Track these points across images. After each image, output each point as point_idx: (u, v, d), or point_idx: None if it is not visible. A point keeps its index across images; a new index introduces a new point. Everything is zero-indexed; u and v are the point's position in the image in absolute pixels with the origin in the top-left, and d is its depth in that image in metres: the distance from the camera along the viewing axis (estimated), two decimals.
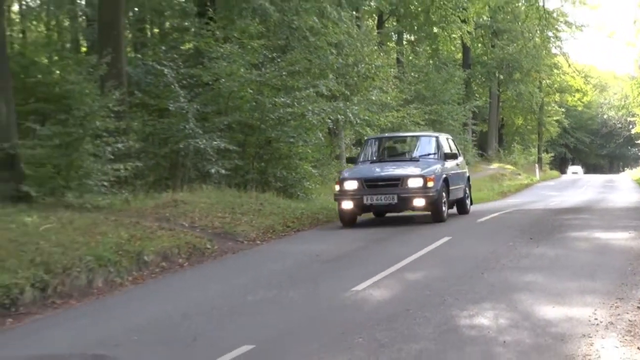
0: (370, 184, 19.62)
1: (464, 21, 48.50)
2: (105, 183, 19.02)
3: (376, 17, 49.23)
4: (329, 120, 26.27)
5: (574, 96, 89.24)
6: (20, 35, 35.88)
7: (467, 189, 23.26)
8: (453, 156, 21.85)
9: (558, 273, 12.39)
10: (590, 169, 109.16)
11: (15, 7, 36.51)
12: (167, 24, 34.43)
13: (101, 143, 19.18)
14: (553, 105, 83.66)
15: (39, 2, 37.97)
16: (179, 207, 18.38)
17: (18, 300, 11.22)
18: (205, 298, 11.95)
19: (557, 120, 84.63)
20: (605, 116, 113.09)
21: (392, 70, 39.03)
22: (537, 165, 71.10)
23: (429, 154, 21.50)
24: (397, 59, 49.24)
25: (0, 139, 17.87)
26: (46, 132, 18.74)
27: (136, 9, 32.22)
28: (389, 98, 34.40)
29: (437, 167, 20.30)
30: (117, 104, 19.89)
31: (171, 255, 15.03)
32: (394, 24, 52.42)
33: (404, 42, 56.04)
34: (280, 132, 23.94)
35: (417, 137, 24.03)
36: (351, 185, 19.68)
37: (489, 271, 12.78)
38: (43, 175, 18.73)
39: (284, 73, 24.41)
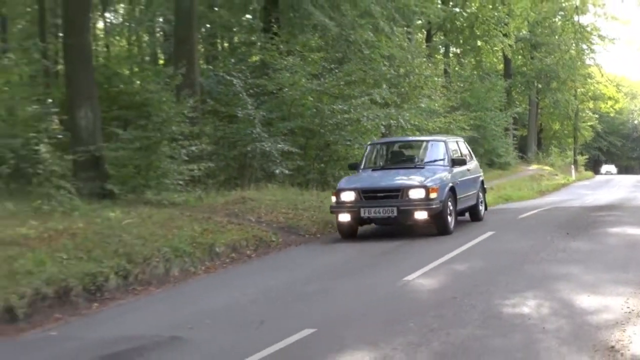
0: (368, 195, 16.42)
1: (505, 35, 48.23)
2: (181, 182, 19.16)
3: (425, 32, 49.03)
4: (382, 125, 26.23)
5: (607, 103, 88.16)
6: (105, 49, 36.22)
7: (480, 194, 19.85)
8: (462, 162, 18.34)
9: (593, 265, 12.27)
10: (622, 169, 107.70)
11: (100, 24, 36.89)
12: (236, 39, 34.56)
13: (177, 146, 19.32)
14: (587, 111, 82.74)
15: (121, 19, 38.34)
16: (246, 203, 18.44)
17: (103, 286, 11.34)
18: (271, 286, 11.98)
19: (591, 126, 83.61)
20: (635, 121, 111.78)
21: (439, 80, 38.82)
22: (572, 166, 70.30)
23: (435, 160, 18.09)
24: (444, 69, 48.95)
25: (87, 142, 18.09)
26: (128, 136, 18.92)
27: (208, 25, 32.41)
28: (437, 105, 34.30)
29: (443, 175, 17.15)
30: (191, 111, 20.06)
31: (240, 247, 15.12)
32: (442, 37, 52.26)
33: (451, 55, 55.77)
34: (338, 136, 23.97)
35: (424, 141, 19.85)
36: (348, 196, 16.48)
37: (529, 263, 12.71)
38: (125, 174, 18.92)
39: (341, 83, 24.45)
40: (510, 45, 50.19)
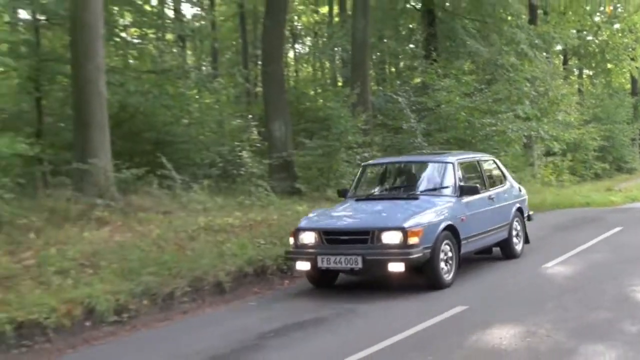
0: (330, 238, 10.28)
1: (632, 59, 46.55)
2: None
3: (562, 57, 47.73)
4: (524, 136, 25.77)
5: None
6: (294, 74, 36.85)
7: (516, 225, 12.82)
8: (473, 190, 11.33)
9: None
10: None
11: (291, 54, 37.55)
12: (401, 64, 34.48)
13: (352, 152, 19.46)
14: None
15: (307, 49, 38.92)
16: None
17: (292, 267, 11.49)
18: None
19: None
20: None
21: (574, 97, 37.71)
22: None
23: (436, 188, 11.52)
24: (578, 89, 47.52)
25: (281, 149, 18.50)
26: (313, 144, 19.19)
27: (378, 53, 32.48)
28: (572, 119, 33.32)
29: (440, 209, 10.65)
30: (364, 124, 20.16)
31: None
32: (576, 61, 50.78)
33: (584, 76, 54.09)
34: (487, 145, 23.56)
35: (425, 163, 12.51)
36: (308, 238, 10.43)
37: None
38: (310, 176, 19.21)
39: (489, 100, 24.05)
40: (637, 67, 48.33)
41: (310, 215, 11.49)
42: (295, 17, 37.52)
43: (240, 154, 18.12)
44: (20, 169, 14.33)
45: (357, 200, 11.64)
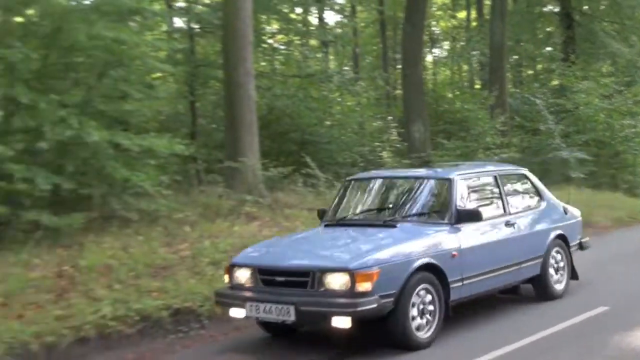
0: (266, 279, 7.16)
1: None
2: None
3: None
4: None
5: None
6: (433, 77, 36.55)
7: (556, 256, 9.19)
8: (473, 215, 7.74)
9: None
10: None
11: (429, 58, 37.31)
12: (539, 67, 33.71)
13: (490, 153, 19.14)
14: None
15: (445, 53, 38.61)
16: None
17: None
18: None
19: None
20: None
21: None
22: None
23: (424, 213, 8.04)
24: None
25: (419, 150, 18.44)
26: (451, 145, 19.02)
27: (515, 56, 31.86)
28: None
29: (416, 243, 7.25)
30: (502, 126, 19.89)
31: None
32: None
33: None
34: (626, 147, 22.74)
35: (418, 179, 8.46)
36: (243, 276, 7.35)
37: None
38: None
39: (629, 102, 23.19)
40: None
41: (249, 248, 8.22)
42: (434, 23, 37.27)
43: (380, 154, 18.14)
44: (177, 167, 14.80)
45: (327, 225, 8.44)
